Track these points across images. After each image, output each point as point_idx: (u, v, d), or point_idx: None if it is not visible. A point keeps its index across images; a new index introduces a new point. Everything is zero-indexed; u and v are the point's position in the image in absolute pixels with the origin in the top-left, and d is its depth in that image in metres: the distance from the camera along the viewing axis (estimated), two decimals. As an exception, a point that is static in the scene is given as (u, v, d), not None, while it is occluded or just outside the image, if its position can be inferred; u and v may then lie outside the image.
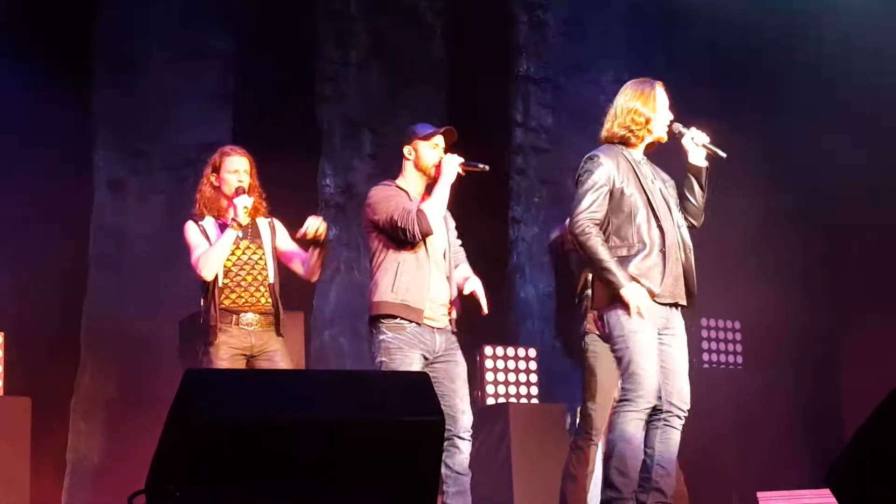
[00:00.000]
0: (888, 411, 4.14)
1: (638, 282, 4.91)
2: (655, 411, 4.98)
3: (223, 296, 5.57)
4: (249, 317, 5.59)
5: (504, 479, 7.26)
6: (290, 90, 8.11)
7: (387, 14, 8.50)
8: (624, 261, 4.93)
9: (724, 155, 5.07)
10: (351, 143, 8.35)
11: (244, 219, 5.57)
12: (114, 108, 7.78)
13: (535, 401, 7.85)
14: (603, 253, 4.92)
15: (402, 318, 5.26)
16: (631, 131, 5.04)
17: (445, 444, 5.23)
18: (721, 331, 8.26)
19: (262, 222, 5.75)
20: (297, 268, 5.80)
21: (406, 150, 5.49)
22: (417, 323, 5.26)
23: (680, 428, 5.03)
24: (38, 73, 7.26)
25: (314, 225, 5.60)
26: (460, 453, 5.29)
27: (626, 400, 4.92)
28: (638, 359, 4.90)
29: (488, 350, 7.76)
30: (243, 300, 5.59)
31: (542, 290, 8.61)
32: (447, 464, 5.25)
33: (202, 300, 5.66)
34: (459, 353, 5.44)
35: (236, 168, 5.68)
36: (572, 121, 8.88)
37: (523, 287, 8.63)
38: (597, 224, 4.95)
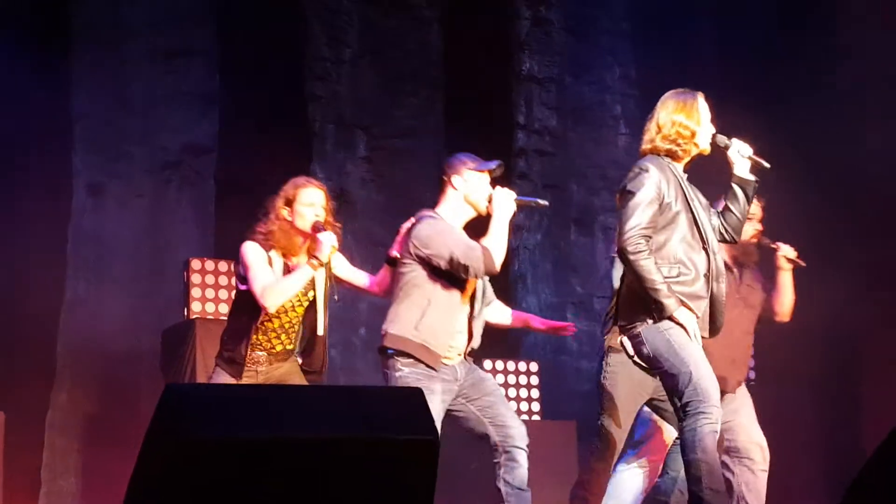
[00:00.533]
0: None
1: (687, 306, 4.91)
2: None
3: (254, 337, 5.42)
4: (258, 354, 5.43)
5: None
6: (279, 90, 8.10)
7: (381, 8, 8.49)
8: (672, 283, 4.91)
9: (768, 165, 5.11)
10: (344, 146, 8.34)
11: (326, 257, 5.35)
12: (94, 108, 7.76)
13: (536, 417, 7.83)
14: (656, 273, 4.88)
15: (416, 359, 5.27)
16: (677, 145, 5.02)
17: (503, 458, 5.27)
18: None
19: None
20: (363, 287, 5.65)
21: (455, 179, 5.40)
22: (433, 367, 5.27)
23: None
24: (16, 73, 7.24)
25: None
26: (519, 466, 5.30)
27: (699, 413, 4.85)
28: (698, 370, 4.88)
29: (488, 364, 7.75)
30: (260, 344, 5.45)
31: (545, 301, 8.60)
32: (505, 480, 5.28)
33: (235, 317, 5.49)
34: (480, 370, 5.49)
35: (313, 201, 5.40)
36: (577, 122, 8.87)
37: (525, 297, 8.61)
38: (649, 240, 4.92)
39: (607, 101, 8.94)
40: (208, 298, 7.22)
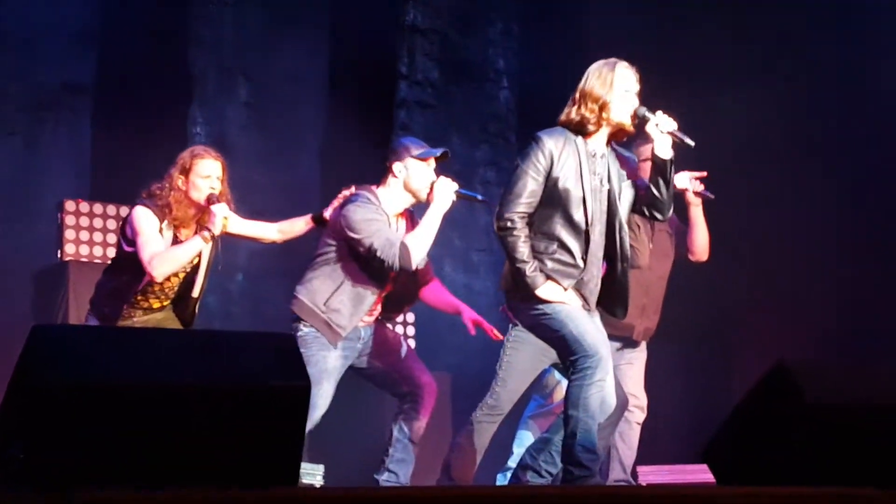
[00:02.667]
0: (766, 387, 4.27)
1: (554, 280, 4.91)
2: None
3: (139, 294, 5.41)
4: (133, 310, 5.46)
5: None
6: (161, 31, 7.97)
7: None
8: (541, 257, 4.92)
9: (691, 143, 4.98)
10: (225, 89, 8.25)
11: (220, 230, 5.36)
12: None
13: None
14: (521, 251, 4.89)
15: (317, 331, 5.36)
16: (586, 118, 4.93)
17: (407, 405, 5.36)
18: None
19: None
20: (271, 236, 5.72)
21: (396, 166, 5.43)
22: (332, 342, 5.32)
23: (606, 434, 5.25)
24: None
25: None
26: (418, 420, 5.39)
27: (586, 369, 4.86)
28: (578, 327, 4.90)
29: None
30: (136, 304, 5.46)
31: (423, 252, 8.63)
32: (402, 426, 5.36)
33: (109, 278, 5.48)
34: (387, 327, 5.53)
35: (209, 173, 5.42)
36: (459, 76, 8.89)
37: (403, 247, 8.62)
38: (522, 216, 4.91)
39: (490, 55, 8.97)
40: (83, 241, 7.13)
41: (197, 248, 5.37)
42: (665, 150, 4.97)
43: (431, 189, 5.40)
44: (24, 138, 7.59)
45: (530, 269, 4.88)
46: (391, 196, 5.47)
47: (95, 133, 7.81)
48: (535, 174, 4.89)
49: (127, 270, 5.39)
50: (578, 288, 5.00)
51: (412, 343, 7.90)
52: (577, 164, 4.91)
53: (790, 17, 7.80)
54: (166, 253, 5.32)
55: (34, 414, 3.36)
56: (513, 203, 4.90)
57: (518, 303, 5.06)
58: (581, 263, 4.94)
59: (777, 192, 7.92)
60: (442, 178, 5.42)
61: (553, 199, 4.91)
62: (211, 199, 5.39)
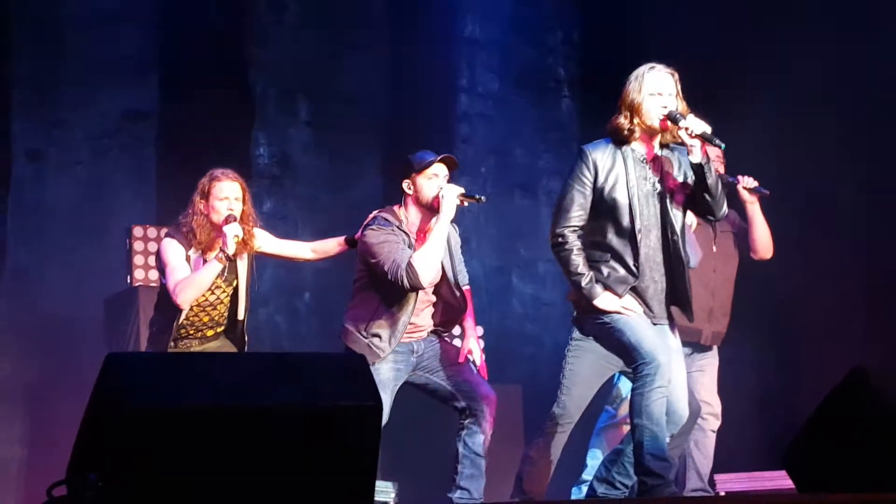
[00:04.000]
0: (844, 392, 4.22)
1: (611, 290, 4.93)
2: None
3: (178, 332, 5.50)
4: (190, 341, 5.54)
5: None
6: (220, 54, 8.05)
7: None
8: (596, 266, 4.96)
9: (721, 145, 4.95)
10: (286, 110, 8.31)
11: (233, 249, 5.41)
12: (31, 73, 7.68)
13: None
14: (575, 264, 4.94)
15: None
16: (620, 124, 4.96)
17: (467, 421, 5.36)
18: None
19: (242, 257, 5.57)
20: (305, 255, 5.83)
21: (405, 184, 5.48)
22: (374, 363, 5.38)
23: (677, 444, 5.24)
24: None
25: None
26: (480, 433, 5.39)
27: (646, 376, 4.87)
28: (636, 334, 4.90)
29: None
30: (189, 335, 5.53)
31: (489, 265, 8.63)
32: (465, 442, 5.37)
33: (157, 314, 5.58)
34: (444, 341, 5.55)
35: (226, 195, 5.47)
36: (520, 86, 8.88)
37: (469, 262, 8.54)
38: (573, 230, 4.96)
39: (550, 64, 8.95)
40: (151, 266, 7.21)
41: (214, 270, 5.39)
42: (696, 155, 4.93)
43: (438, 198, 5.42)
44: (90, 167, 7.69)
45: (585, 280, 4.92)
46: (410, 214, 5.50)
47: (159, 158, 7.90)
48: (580, 187, 4.94)
49: (168, 305, 5.47)
50: (640, 294, 4.99)
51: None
52: (623, 172, 4.93)
53: (854, 17, 7.71)
54: (187, 279, 5.38)
55: (111, 441, 3.40)
56: (562, 218, 4.96)
57: (582, 313, 5.09)
58: (635, 270, 4.95)
59: (843, 187, 7.82)
60: (445, 185, 5.43)
61: (602, 209, 4.94)
62: (227, 220, 5.42)
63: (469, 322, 5.74)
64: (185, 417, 3.48)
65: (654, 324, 5.01)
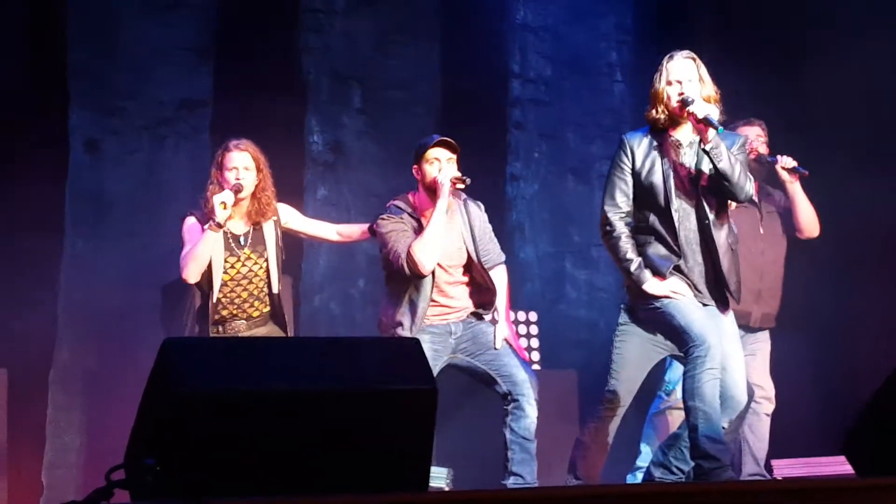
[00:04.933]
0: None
1: (659, 275, 5.03)
2: None
3: (215, 311, 5.54)
4: (237, 323, 5.58)
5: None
6: (273, 42, 8.06)
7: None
8: (642, 250, 5.08)
9: (719, 129, 5.00)
10: (339, 98, 8.31)
11: (221, 216, 5.42)
12: (89, 63, 7.72)
13: (536, 366, 7.86)
14: (623, 251, 5.07)
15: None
16: (650, 113, 5.13)
17: (511, 406, 5.37)
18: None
19: (268, 225, 5.64)
20: (330, 237, 5.93)
21: (414, 170, 5.63)
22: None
23: (734, 427, 5.25)
24: (11, 30, 7.21)
25: None
26: (525, 416, 5.40)
27: (696, 358, 4.94)
28: (685, 317, 5.01)
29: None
30: (233, 315, 5.58)
31: (543, 250, 8.60)
32: (511, 427, 5.42)
33: (187, 309, 5.64)
34: (484, 323, 5.53)
35: (235, 165, 5.58)
36: (572, 71, 8.83)
37: (523, 247, 8.61)
38: (620, 217, 5.08)
39: (602, 48, 8.89)
40: (207, 252, 7.22)
41: (210, 239, 5.45)
42: (704, 139, 5.02)
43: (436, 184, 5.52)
44: (146, 156, 7.72)
45: (634, 266, 5.04)
46: (421, 199, 5.62)
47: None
48: (620, 174, 5.10)
49: (199, 284, 5.60)
50: (686, 276, 5.06)
51: (535, 342, 7.87)
52: (658, 157, 5.06)
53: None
54: (187, 253, 5.49)
55: (168, 425, 3.42)
56: (608, 206, 5.12)
57: (634, 299, 5.18)
58: (676, 250, 5.04)
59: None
60: (443, 170, 5.45)
61: (642, 193, 5.08)
62: (233, 189, 5.49)
63: (501, 304, 5.71)
64: (241, 401, 3.50)
65: (705, 304, 5.02)
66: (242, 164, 5.56)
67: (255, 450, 3.50)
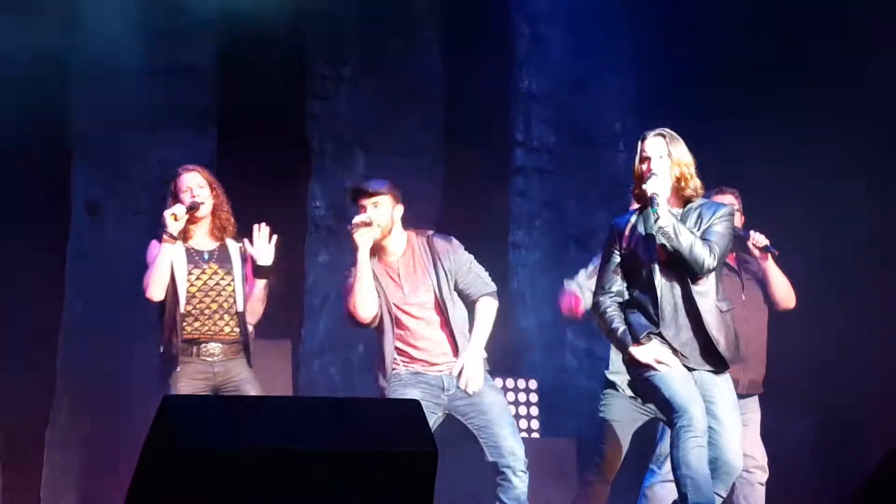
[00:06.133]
0: (885, 472, 4.14)
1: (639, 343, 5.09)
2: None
3: (185, 323, 5.59)
4: (212, 346, 5.62)
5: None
6: (277, 107, 8.12)
7: (380, 28, 8.52)
8: (631, 323, 5.13)
9: (653, 207, 5.01)
10: (343, 163, 8.36)
11: (173, 227, 5.60)
12: (92, 124, 7.77)
13: (536, 435, 7.83)
14: (610, 324, 5.16)
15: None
16: (633, 190, 5.22)
17: (497, 477, 5.33)
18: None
19: (233, 245, 5.78)
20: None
21: None
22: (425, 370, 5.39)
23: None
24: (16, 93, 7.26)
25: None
26: (513, 487, 5.35)
27: (681, 428, 4.96)
28: (669, 388, 5.02)
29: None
30: (206, 328, 5.61)
31: (544, 318, 8.59)
32: (501, 498, 5.32)
33: (160, 327, 5.69)
34: (489, 383, 5.50)
35: (188, 186, 5.77)
36: (575, 139, 8.88)
37: (524, 315, 8.62)
38: (608, 295, 5.18)
39: (606, 117, 8.96)
40: (207, 316, 7.21)
41: (166, 252, 5.60)
42: (648, 222, 5.11)
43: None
44: (149, 217, 7.74)
45: (619, 332, 5.13)
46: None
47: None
48: (610, 258, 5.21)
49: (159, 315, 5.72)
50: (670, 343, 5.09)
51: (535, 410, 7.85)
52: (643, 232, 5.13)
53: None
54: (148, 271, 5.65)
55: (166, 481, 3.40)
56: (598, 291, 5.23)
57: (630, 371, 5.23)
58: (655, 319, 5.09)
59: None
60: (357, 217, 5.55)
61: (631, 270, 5.16)
62: (191, 206, 5.67)
63: (475, 336, 5.58)
64: (240, 460, 3.48)
65: (692, 369, 5.03)
66: (195, 182, 5.76)
67: (253, 509, 3.48)
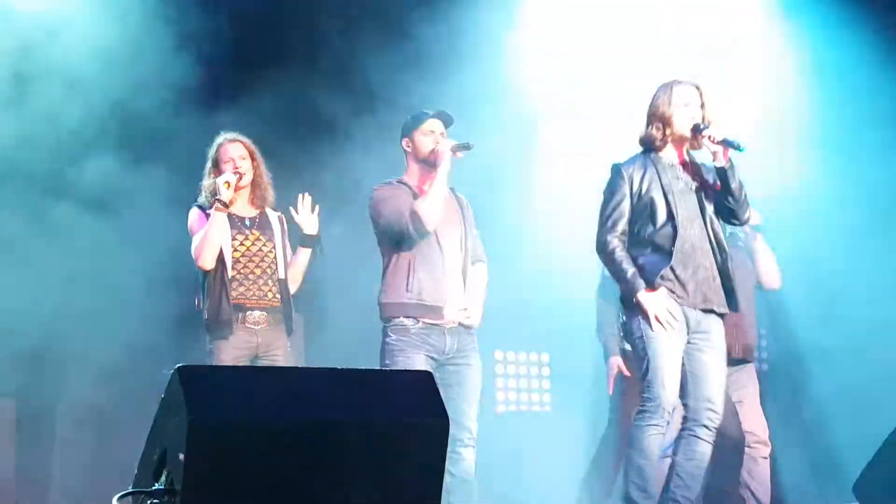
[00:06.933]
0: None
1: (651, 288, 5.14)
2: (683, 420, 5.07)
3: (231, 288, 5.63)
4: (256, 314, 5.65)
5: (519, 489, 7.27)
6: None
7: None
8: (643, 265, 5.17)
9: (742, 149, 5.19)
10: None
11: (226, 195, 5.66)
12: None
13: (548, 408, 7.85)
14: (620, 265, 5.19)
15: (414, 318, 5.40)
16: (652, 135, 5.30)
17: (447, 450, 5.31)
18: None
19: (272, 214, 5.84)
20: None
21: (404, 142, 5.63)
22: (433, 323, 5.33)
23: (708, 439, 5.15)
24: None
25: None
26: (463, 459, 5.36)
27: (646, 413, 5.09)
28: (656, 372, 5.11)
29: (499, 355, 7.77)
30: (251, 293, 5.66)
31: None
32: (450, 471, 5.32)
33: (205, 293, 5.69)
34: (475, 355, 5.53)
35: (231, 156, 5.80)
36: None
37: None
38: (616, 236, 5.22)
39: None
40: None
41: (218, 220, 5.65)
42: (718, 159, 5.23)
43: (435, 153, 5.55)
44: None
45: (629, 274, 5.16)
46: (411, 174, 5.62)
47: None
48: (619, 201, 5.25)
49: (208, 273, 5.68)
50: (684, 284, 5.16)
51: (547, 384, 7.87)
52: (655, 174, 5.24)
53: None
54: (200, 241, 5.64)
55: (178, 451, 3.42)
56: (606, 227, 5.25)
57: (626, 315, 5.30)
58: (670, 257, 5.16)
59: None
60: (442, 140, 5.56)
61: (641, 210, 5.23)
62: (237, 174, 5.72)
63: (473, 301, 5.61)
64: (252, 430, 3.49)
65: (693, 309, 5.15)
66: (238, 154, 5.79)
67: (266, 479, 3.49)
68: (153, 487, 3.52)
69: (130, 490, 3.59)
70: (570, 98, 8.03)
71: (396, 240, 5.47)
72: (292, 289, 5.84)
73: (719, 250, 5.25)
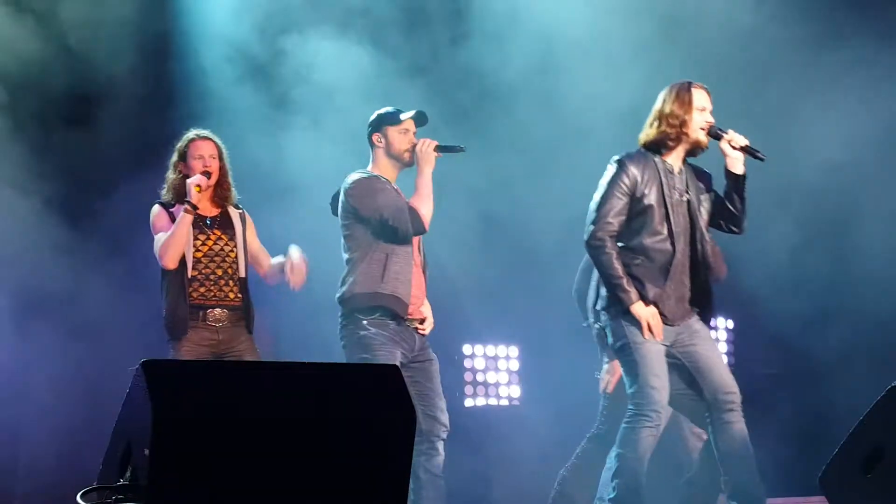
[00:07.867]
0: (879, 413, 4.18)
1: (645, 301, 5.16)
2: (709, 413, 5.20)
3: (191, 289, 5.60)
4: (217, 312, 5.62)
5: (484, 484, 7.29)
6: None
7: None
8: (628, 268, 5.19)
9: (763, 158, 5.22)
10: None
11: (196, 198, 5.59)
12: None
13: (516, 402, 7.86)
14: (614, 268, 5.17)
15: (387, 313, 5.39)
16: (666, 135, 5.25)
17: (425, 446, 5.32)
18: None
19: (234, 213, 5.80)
20: (258, 269, 5.86)
21: (375, 137, 5.58)
22: (402, 318, 5.33)
23: (738, 419, 5.23)
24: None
25: (297, 265, 5.68)
26: (438, 455, 5.37)
27: (640, 415, 5.14)
28: (646, 374, 5.16)
29: (467, 349, 7.77)
30: (212, 294, 5.63)
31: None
32: (426, 467, 5.33)
33: (164, 293, 5.68)
34: (431, 350, 5.53)
35: (201, 153, 5.73)
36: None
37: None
38: (612, 235, 5.17)
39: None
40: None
41: (184, 222, 5.60)
42: (738, 166, 5.24)
43: (413, 152, 5.53)
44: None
45: (625, 283, 5.14)
46: (380, 168, 5.59)
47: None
48: (620, 195, 5.19)
49: (168, 271, 5.65)
50: (663, 301, 5.17)
51: (516, 377, 7.87)
52: (657, 180, 5.20)
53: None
54: (165, 240, 5.60)
55: (143, 448, 3.41)
56: (602, 222, 5.19)
57: (611, 321, 5.27)
58: (666, 272, 5.18)
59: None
60: (421, 139, 5.53)
61: (637, 214, 5.19)
62: (205, 175, 5.68)
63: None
64: (218, 424, 3.48)
65: (673, 326, 5.19)
66: (208, 152, 5.74)
67: (231, 474, 3.48)
68: (118, 483, 3.50)
69: (95, 486, 3.57)
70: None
71: (391, 235, 5.44)
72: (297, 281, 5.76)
73: (704, 266, 5.28)
